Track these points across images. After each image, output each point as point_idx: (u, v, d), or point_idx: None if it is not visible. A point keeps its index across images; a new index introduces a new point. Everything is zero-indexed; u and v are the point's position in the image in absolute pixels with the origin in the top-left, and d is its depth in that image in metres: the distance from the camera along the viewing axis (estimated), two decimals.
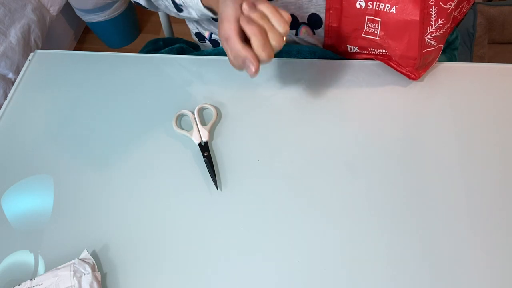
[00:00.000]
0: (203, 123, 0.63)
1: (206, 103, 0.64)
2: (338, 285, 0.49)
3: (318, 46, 0.70)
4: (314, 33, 0.69)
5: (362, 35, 0.63)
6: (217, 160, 0.59)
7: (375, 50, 0.64)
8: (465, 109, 0.62)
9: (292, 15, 0.66)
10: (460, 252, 0.50)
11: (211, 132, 0.62)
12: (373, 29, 0.61)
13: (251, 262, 0.51)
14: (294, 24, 0.67)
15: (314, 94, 0.64)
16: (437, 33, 0.58)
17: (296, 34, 0.68)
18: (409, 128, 0.61)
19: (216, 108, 0.64)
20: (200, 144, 0.60)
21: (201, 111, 0.65)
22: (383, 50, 0.63)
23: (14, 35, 1.36)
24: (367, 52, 0.66)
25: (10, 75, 1.33)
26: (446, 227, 0.52)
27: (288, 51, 0.69)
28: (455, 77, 0.66)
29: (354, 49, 0.66)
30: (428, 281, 0.49)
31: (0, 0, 1.33)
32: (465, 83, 0.65)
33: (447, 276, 0.49)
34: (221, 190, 0.57)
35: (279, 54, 0.70)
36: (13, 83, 1.18)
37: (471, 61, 1.28)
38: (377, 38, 0.62)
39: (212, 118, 0.63)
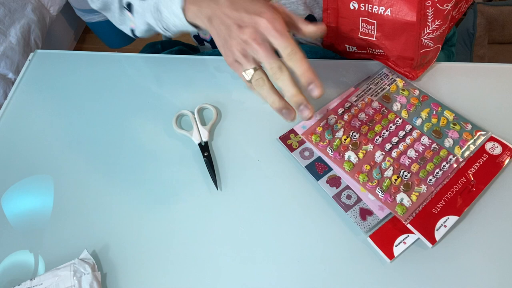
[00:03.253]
0: (203, 123, 0.63)
1: (206, 103, 0.65)
2: (338, 285, 0.49)
3: (319, 46, 0.70)
4: None
5: (359, 36, 0.63)
6: (217, 160, 0.59)
7: (373, 50, 0.64)
8: (465, 109, 0.62)
9: None
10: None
11: (211, 132, 0.62)
12: (369, 30, 0.61)
13: (251, 262, 0.51)
14: None
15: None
16: (434, 34, 0.58)
17: (294, 34, 0.68)
18: None
19: (216, 108, 0.64)
20: (200, 144, 0.60)
21: (201, 111, 0.65)
22: (381, 51, 0.63)
23: (14, 35, 1.36)
24: (365, 51, 0.66)
25: (10, 75, 1.33)
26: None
27: None
28: (455, 77, 0.66)
29: (352, 48, 0.67)
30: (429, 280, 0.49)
31: (0, 0, 1.33)
32: (465, 83, 0.65)
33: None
34: (221, 190, 0.57)
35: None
36: (13, 83, 1.18)
37: (471, 61, 1.28)
38: (373, 39, 0.62)
39: (212, 118, 0.63)
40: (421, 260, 0.50)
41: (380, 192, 0.53)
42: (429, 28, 0.57)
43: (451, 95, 0.64)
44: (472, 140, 0.56)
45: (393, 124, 0.59)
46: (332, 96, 0.64)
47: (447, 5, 0.55)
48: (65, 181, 0.59)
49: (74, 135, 0.64)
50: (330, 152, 0.57)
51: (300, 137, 0.60)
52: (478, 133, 0.57)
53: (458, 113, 0.60)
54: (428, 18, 0.56)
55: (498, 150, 0.56)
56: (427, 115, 0.59)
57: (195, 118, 0.63)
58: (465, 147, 0.56)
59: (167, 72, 0.70)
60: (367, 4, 0.58)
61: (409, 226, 0.51)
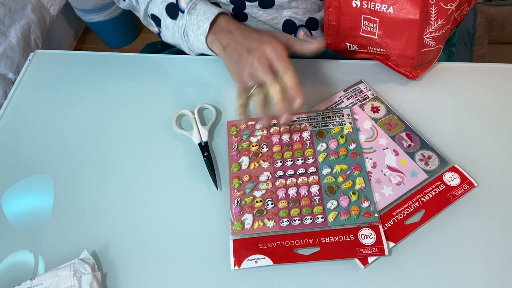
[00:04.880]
0: (203, 123, 0.63)
1: (206, 103, 0.65)
2: (336, 285, 0.49)
3: None
4: (311, 34, 0.69)
5: (360, 33, 0.63)
6: (217, 160, 0.59)
7: (374, 49, 0.64)
8: (465, 109, 0.62)
9: (290, 20, 0.67)
10: None
11: (211, 132, 0.62)
12: (371, 28, 0.61)
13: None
14: (292, 28, 0.67)
15: (315, 94, 0.64)
16: (436, 33, 0.58)
17: (295, 36, 0.69)
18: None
19: (216, 108, 0.64)
20: (200, 144, 0.60)
21: (201, 111, 0.65)
22: (382, 49, 0.63)
23: (14, 35, 1.36)
24: (366, 50, 0.66)
25: (10, 75, 1.33)
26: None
27: None
28: (455, 77, 0.66)
29: (353, 47, 0.66)
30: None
31: (0, 0, 1.33)
32: (465, 83, 0.65)
33: None
34: (221, 190, 0.57)
35: None
36: (13, 83, 1.18)
37: (471, 61, 1.28)
38: (375, 37, 0.61)
39: (212, 118, 0.63)
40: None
41: (236, 203, 0.54)
42: (431, 27, 0.57)
43: (451, 94, 0.64)
44: (354, 216, 0.51)
45: (302, 160, 0.57)
46: (326, 95, 0.64)
47: (451, 5, 0.55)
48: (65, 181, 0.59)
49: (74, 135, 0.64)
50: (232, 148, 0.59)
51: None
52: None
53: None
54: (431, 17, 0.56)
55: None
56: (339, 171, 0.55)
57: (195, 118, 0.63)
58: (343, 218, 0.51)
59: (167, 72, 0.70)
60: (369, 2, 0.58)
61: (230, 242, 0.51)
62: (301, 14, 0.67)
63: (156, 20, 0.67)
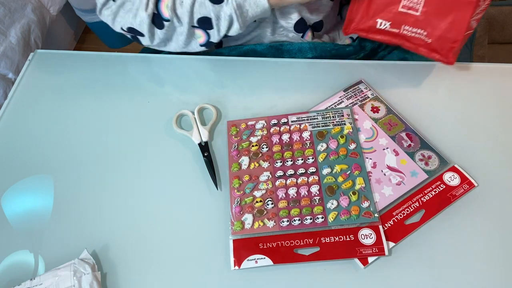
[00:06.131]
0: (203, 123, 0.63)
1: (206, 103, 0.64)
2: (336, 285, 0.49)
3: (318, 42, 0.70)
4: (314, 36, 0.70)
5: (399, 9, 0.58)
6: (217, 160, 0.59)
7: (409, 28, 0.59)
8: (465, 109, 0.62)
9: (302, 19, 0.67)
10: None
11: (211, 132, 0.62)
12: (414, 4, 0.56)
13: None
14: (303, 27, 0.67)
15: (315, 94, 0.64)
16: (480, 15, 0.54)
17: (302, 36, 0.69)
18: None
19: (216, 108, 0.64)
20: (200, 144, 0.60)
21: (201, 111, 0.65)
22: (420, 30, 0.58)
23: (14, 35, 1.36)
24: (398, 30, 0.60)
25: (10, 75, 1.33)
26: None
27: (289, 49, 0.69)
28: (455, 77, 0.65)
29: (385, 24, 0.60)
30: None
31: (0, 0, 1.33)
32: (465, 83, 0.65)
33: None
34: (221, 190, 0.57)
35: (280, 54, 0.70)
36: (13, 83, 1.18)
37: (471, 61, 1.27)
38: (418, 13, 0.56)
39: (212, 118, 0.63)
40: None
41: (236, 203, 0.54)
42: (480, 8, 0.53)
43: (451, 95, 0.64)
44: (354, 216, 0.51)
45: (302, 159, 0.56)
46: (326, 95, 0.64)
47: None
48: (65, 181, 0.59)
49: (74, 134, 0.64)
50: (232, 148, 0.58)
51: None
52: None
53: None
54: None
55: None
56: (339, 171, 0.55)
57: (195, 118, 0.63)
58: (343, 218, 0.51)
59: (167, 72, 0.70)
60: None
61: (230, 242, 0.51)
62: (309, 14, 0.67)
63: (204, 23, 0.61)
